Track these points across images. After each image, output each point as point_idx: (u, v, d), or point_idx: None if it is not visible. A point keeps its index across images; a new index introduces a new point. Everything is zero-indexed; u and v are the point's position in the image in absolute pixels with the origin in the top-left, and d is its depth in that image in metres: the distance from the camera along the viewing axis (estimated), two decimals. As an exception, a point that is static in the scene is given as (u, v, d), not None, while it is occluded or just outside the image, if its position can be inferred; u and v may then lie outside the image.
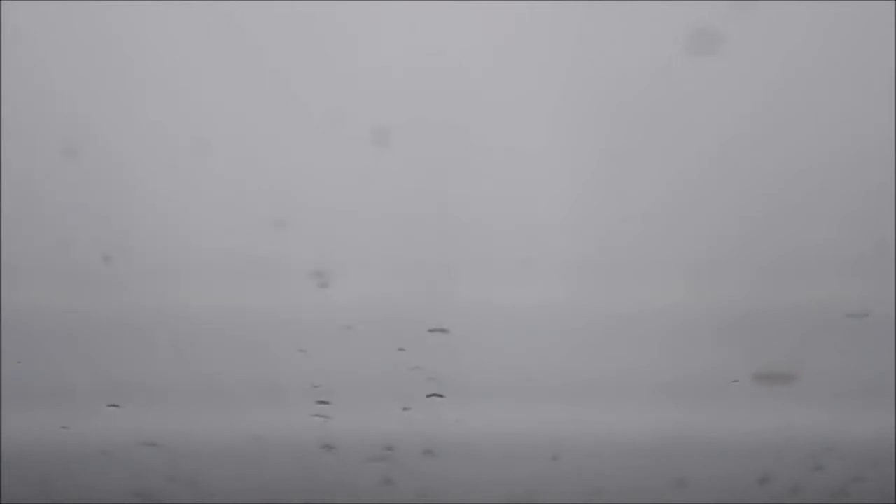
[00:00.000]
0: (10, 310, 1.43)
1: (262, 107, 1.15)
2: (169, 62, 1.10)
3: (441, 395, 1.63)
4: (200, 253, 1.34)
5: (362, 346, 1.52)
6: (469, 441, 1.76)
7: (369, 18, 1.06)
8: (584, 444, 1.75)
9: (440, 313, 1.45)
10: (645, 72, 1.11)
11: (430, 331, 1.48)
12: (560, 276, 1.39)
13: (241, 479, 1.90)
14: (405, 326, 1.48)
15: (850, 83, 1.12)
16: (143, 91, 1.13)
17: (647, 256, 1.35)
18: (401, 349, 1.53)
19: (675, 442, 1.74)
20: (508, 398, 1.65)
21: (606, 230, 1.31)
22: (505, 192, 1.26)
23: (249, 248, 1.33)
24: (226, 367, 1.58)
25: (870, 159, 1.21)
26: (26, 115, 1.15)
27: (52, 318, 1.46)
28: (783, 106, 1.15)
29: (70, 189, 1.25)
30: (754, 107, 1.15)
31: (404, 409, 1.67)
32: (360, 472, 1.86)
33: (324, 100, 1.14)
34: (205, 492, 1.93)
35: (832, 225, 1.31)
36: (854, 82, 1.12)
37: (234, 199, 1.26)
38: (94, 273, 1.37)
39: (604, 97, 1.13)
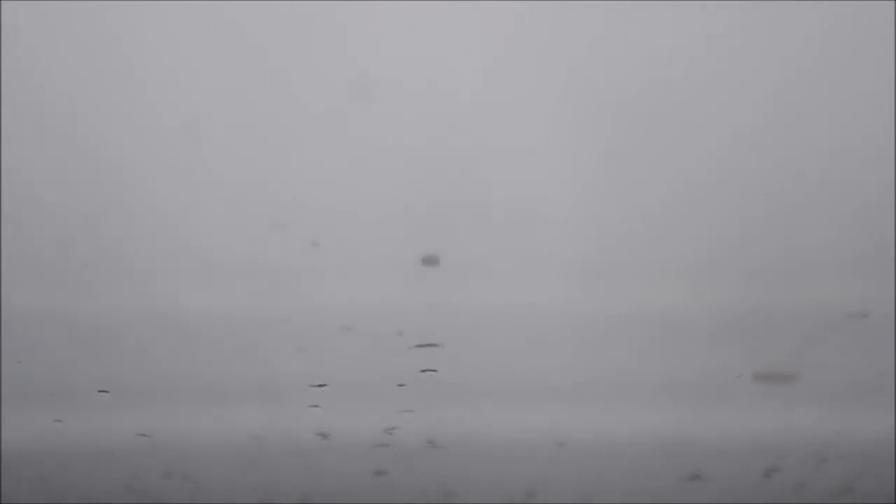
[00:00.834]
0: (10, 310, 1.43)
1: (262, 107, 1.15)
2: (170, 62, 1.10)
3: (439, 396, 1.64)
4: (200, 253, 1.34)
5: (361, 346, 1.52)
6: (468, 440, 1.76)
7: (370, 19, 1.06)
8: (584, 444, 1.76)
9: (440, 313, 1.45)
10: (645, 72, 1.11)
11: (429, 331, 1.48)
12: (561, 276, 1.39)
13: (240, 477, 1.91)
14: (405, 326, 1.48)
15: (850, 83, 1.12)
16: (143, 91, 1.13)
17: (647, 256, 1.35)
18: (400, 349, 1.53)
19: (676, 442, 1.74)
20: (508, 398, 1.65)
21: (606, 230, 1.31)
22: (505, 191, 1.26)
23: (249, 248, 1.33)
24: (226, 366, 1.58)
25: (870, 160, 1.21)
26: (26, 115, 1.16)
27: (52, 319, 1.46)
28: (783, 106, 1.15)
29: (70, 189, 1.25)
30: (754, 108, 1.15)
31: (403, 409, 1.68)
32: (358, 468, 1.86)
33: (324, 100, 1.14)
34: (203, 489, 1.93)
35: (832, 225, 1.31)
36: (854, 83, 1.12)
37: (234, 199, 1.26)
38: (95, 273, 1.37)
39: (604, 98, 1.13)
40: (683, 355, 1.53)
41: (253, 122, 1.17)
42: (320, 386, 1.63)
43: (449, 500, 1.93)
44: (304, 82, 1.12)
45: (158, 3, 1.05)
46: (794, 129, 1.17)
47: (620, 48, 1.08)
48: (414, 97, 1.14)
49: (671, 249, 1.34)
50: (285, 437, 1.77)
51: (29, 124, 1.16)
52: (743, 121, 1.16)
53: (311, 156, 1.21)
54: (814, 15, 1.05)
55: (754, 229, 1.31)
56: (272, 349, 1.54)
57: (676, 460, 1.79)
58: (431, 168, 1.23)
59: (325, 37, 1.08)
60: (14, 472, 1.87)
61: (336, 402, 1.67)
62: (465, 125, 1.17)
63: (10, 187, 1.24)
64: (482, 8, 1.05)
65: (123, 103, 1.14)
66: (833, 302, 1.43)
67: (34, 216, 1.28)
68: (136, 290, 1.41)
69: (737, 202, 1.27)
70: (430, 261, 1.36)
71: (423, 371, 1.59)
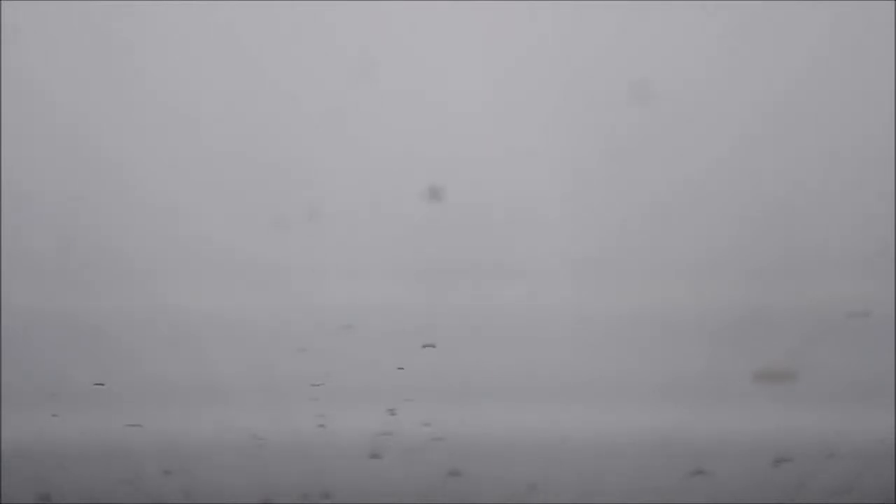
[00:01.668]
0: (10, 310, 1.43)
1: (262, 106, 1.15)
2: (169, 61, 1.10)
3: (438, 395, 1.64)
4: (201, 252, 1.34)
5: (360, 346, 1.52)
6: (468, 439, 1.76)
7: (371, 19, 1.06)
8: (584, 442, 1.76)
9: (439, 313, 1.45)
10: (645, 72, 1.11)
11: (428, 331, 1.48)
12: (561, 276, 1.39)
13: (240, 476, 1.91)
14: (404, 326, 1.48)
15: (849, 83, 1.12)
16: (143, 91, 1.13)
17: (647, 256, 1.35)
18: (399, 349, 1.53)
19: (676, 441, 1.74)
20: (508, 397, 1.65)
21: (606, 230, 1.31)
22: (505, 191, 1.26)
23: (249, 247, 1.33)
24: (226, 365, 1.58)
25: (870, 160, 1.21)
26: (26, 115, 1.16)
27: (53, 318, 1.46)
28: (782, 106, 1.15)
29: (70, 189, 1.25)
30: (754, 108, 1.15)
31: (403, 408, 1.68)
32: (358, 467, 1.86)
33: (324, 101, 1.14)
34: (203, 488, 1.93)
35: (833, 224, 1.31)
36: (854, 83, 1.12)
37: (234, 198, 1.26)
38: (95, 273, 1.37)
39: (604, 97, 1.13)
40: (683, 355, 1.53)
41: (253, 122, 1.17)
42: (320, 385, 1.63)
43: (449, 500, 1.93)
44: (304, 82, 1.12)
45: (158, 3, 1.05)
46: (794, 129, 1.17)
47: (620, 48, 1.08)
48: (414, 97, 1.14)
49: (671, 249, 1.34)
50: (286, 437, 1.77)
51: (29, 124, 1.16)
52: (742, 121, 1.16)
53: (312, 156, 1.21)
54: (814, 15, 1.05)
55: (754, 228, 1.31)
56: (272, 348, 1.54)
57: (676, 460, 1.80)
58: (432, 168, 1.23)
59: (325, 37, 1.08)
60: (14, 470, 1.87)
61: (336, 400, 1.67)
62: (465, 125, 1.17)
63: (9, 187, 1.24)
64: (483, 8, 1.05)
65: (123, 103, 1.14)
66: (834, 301, 1.43)
67: (34, 216, 1.29)
68: (135, 289, 1.41)
69: (737, 201, 1.27)
70: (430, 260, 1.36)
71: (423, 370, 1.59)
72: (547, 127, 1.17)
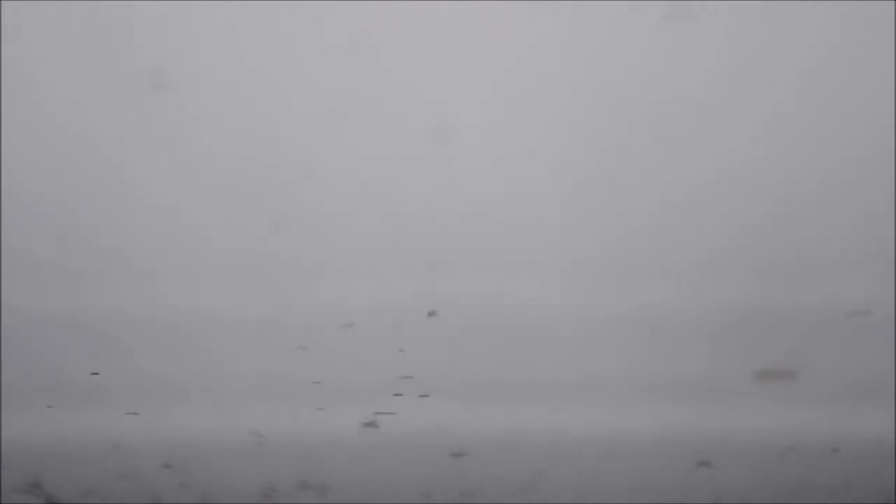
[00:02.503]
0: (10, 310, 1.44)
1: (262, 107, 1.15)
2: (170, 62, 1.10)
3: (438, 394, 1.64)
4: (201, 252, 1.35)
5: (360, 344, 1.52)
6: (467, 439, 1.76)
7: (371, 19, 1.06)
8: (583, 442, 1.76)
9: (439, 313, 1.45)
10: (645, 73, 1.11)
11: (428, 331, 1.48)
12: (562, 276, 1.39)
13: (241, 473, 1.91)
14: (403, 325, 1.48)
15: (849, 83, 1.12)
16: (143, 91, 1.13)
17: (648, 256, 1.35)
18: (399, 349, 1.54)
19: (676, 440, 1.74)
20: (509, 397, 1.65)
21: (608, 230, 1.31)
22: (505, 191, 1.26)
23: (249, 247, 1.33)
24: (226, 363, 1.58)
25: (870, 159, 1.21)
26: (26, 115, 1.16)
27: (53, 318, 1.46)
28: (782, 106, 1.15)
29: (70, 189, 1.25)
30: (754, 108, 1.15)
31: (403, 407, 1.68)
32: (358, 465, 1.86)
33: (324, 100, 1.14)
34: (204, 486, 1.93)
35: (833, 223, 1.31)
36: (853, 82, 1.12)
37: (234, 198, 1.26)
38: (95, 273, 1.37)
39: (604, 98, 1.13)
40: (684, 354, 1.53)
41: (253, 122, 1.17)
42: (320, 383, 1.64)
43: (450, 499, 1.94)
44: (304, 83, 1.12)
45: (158, 3, 1.05)
46: (794, 129, 1.17)
47: (620, 48, 1.08)
48: (414, 97, 1.14)
49: (672, 249, 1.34)
50: (285, 434, 1.77)
51: (29, 124, 1.17)
52: (742, 121, 1.16)
53: (312, 156, 1.21)
54: (814, 15, 1.05)
55: (755, 228, 1.31)
56: (273, 346, 1.54)
57: (676, 460, 1.80)
58: (432, 167, 1.23)
59: (326, 37, 1.08)
60: (14, 468, 1.87)
61: (336, 399, 1.67)
62: (466, 126, 1.17)
63: (10, 187, 1.24)
64: (483, 8, 1.05)
65: (123, 103, 1.14)
66: (834, 300, 1.43)
67: (34, 216, 1.29)
68: (135, 289, 1.41)
69: (737, 201, 1.27)
70: (430, 259, 1.36)
71: (422, 369, 1.59)
72: (548, 127, 1.17)
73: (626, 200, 1.26)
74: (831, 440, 1.73)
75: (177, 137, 1.19)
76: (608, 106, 1.14)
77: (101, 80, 1.12)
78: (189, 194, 1.26)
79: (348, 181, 1.24)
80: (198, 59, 1.10)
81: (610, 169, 1.22)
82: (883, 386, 1.60)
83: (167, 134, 1.18)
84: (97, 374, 1.61)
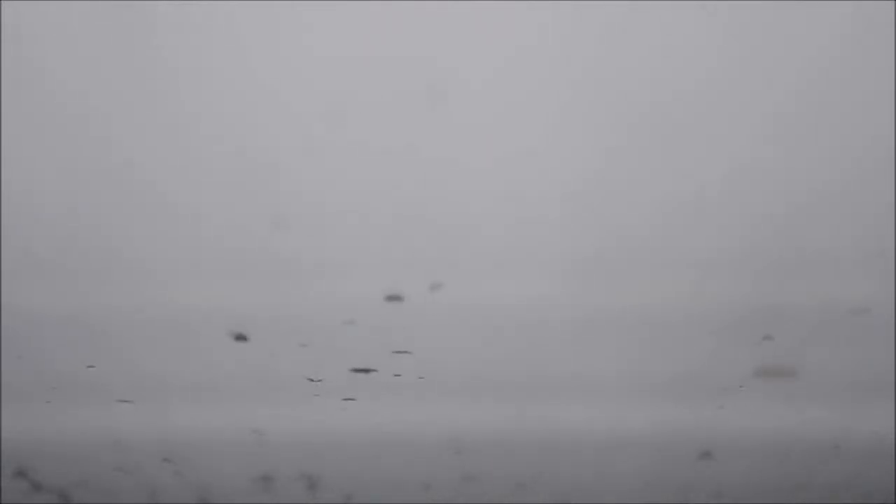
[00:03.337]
0: (10, 310, 1.44)
1: (262, 106, 1.15)
2: (170, 62, 1.10)
3: (438, 393, 1.64)
4: (201, 251, 1.35)
5: (359, 342, 1.52)
6: (466, 438, 1.77)
7: (371, 19, 1.06)
8: (583, 442, 1.76)
9: (438, 313, 1.45)
10: (646, 72, 1.11)
11: (428, 329, 1.48)
12: (563, 275, 1.39)
13: (241, 470, 1.91)
14: (403, 323, 1.48)
15: (849, 83, 1.12)
16: (144, 90, 1.13)
17: (649, 255, 1.35)
18: (399, 347, 1.54)
19: (677, 440, 1.74)
20: (508, 396, 1.65)
21: (609, 230, 1.31)
22: (505, 191, 1.26)
23: (249, 247, 1.33)
24: (226, 361, 1.59)
25: (870, 158, 1.21)
26: (27, 115, 1.16)
27: (53, 318, 1.46)
28: (783, 106, 1.15)
29: (71, 189, 1.25)
30: (754, 107, 1.15)
31: (402, 406, 1.68)
32: (358, 464, 1.86)
33: (324, 100, 1.14)
34: (205, 485, 1.94)
35: (834, 222, 1.31)
36: (853, 82, 1.12)
37: (234, 197, 1.26)
38: (95, 273, 1.37)
39: (605, 97, 1.13)
40: (684, 353, 1.54)
41: (254, 121, 1.17)
42: (320, 380, 1.64)
43: (449, 499, 1.94)
44: (304, 82, 1.12)
45: (158, 3, 1.05)
46: (794, 129, 1.17)
47: (620, 48, 1.08)
48: (414, 97, 1.14)
49: (672, 248, 1.34)
50: (286, 431, 1.78)
51: (29, 124, 1.17)
52: (743, 121, 1.16)
53: (312, 155, 1.21)
54: (814, 15, 1.05)
55: (755, 227, 1.31)
56: (273, 344, 1.55)
57: (677, 458, 1.80)
58: (432, 167, 1.23)
59: (325, 37, 1.08)
60: (14, 466, 1.87)
61: (336, 397, 1.68)
62: (466, 125, 1.17)
63: (10, 187, 1.24)
64: (483, 8, 1.05)
65: (123, 103, 1.14)
66: (834, 298, 1.43)
67: (34, 216, 1.29)
68: (135, 288, 1.41)
69: (737, 201, 1.27)
70: (430, 258, 1.36)
71: (422, 368, 1.59)
72: (548, 127, 1.17)
73: (626, 200, 1.26)
74: (832, 438, 1.73)
75: (177, 137, 1.19)
76: (608, 106, 1.14)
77: (100, 80, 1.12)
78: (189, 193, 1.26)
79: (348, 181, 1.24)
80: (198, 59, 1.10)
81: (610, 168, 1.22)
82: (883, 384, 1.61)
83: (167, 133, 1.18)
84: (92, 366, 1.61)
